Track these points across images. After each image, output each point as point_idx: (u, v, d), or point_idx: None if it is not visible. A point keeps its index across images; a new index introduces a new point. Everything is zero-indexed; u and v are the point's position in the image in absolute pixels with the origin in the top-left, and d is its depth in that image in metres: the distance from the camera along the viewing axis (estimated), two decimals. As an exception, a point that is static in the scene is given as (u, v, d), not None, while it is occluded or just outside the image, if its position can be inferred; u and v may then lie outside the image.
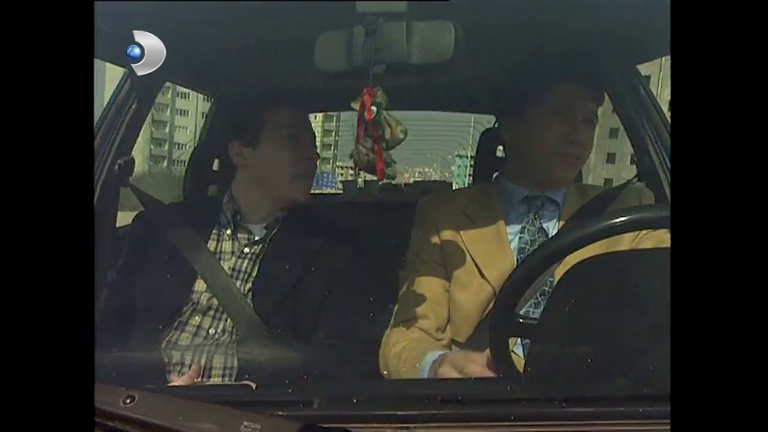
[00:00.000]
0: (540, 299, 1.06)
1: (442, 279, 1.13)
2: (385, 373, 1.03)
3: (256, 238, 1.22)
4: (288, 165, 1.20)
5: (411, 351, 1.02)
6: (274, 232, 1.22)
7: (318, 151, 1.28)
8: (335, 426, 0.61)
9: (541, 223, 1.13)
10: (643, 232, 1.01)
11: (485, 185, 1.25)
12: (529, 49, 1.12)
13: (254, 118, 1.21)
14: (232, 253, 1.21)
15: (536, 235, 1.11)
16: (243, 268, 1.19)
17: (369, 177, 0.84)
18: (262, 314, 1.14)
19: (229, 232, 1.22)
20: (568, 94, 1.10)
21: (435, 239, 1.15)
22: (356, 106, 0.77)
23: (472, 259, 1.10)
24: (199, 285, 1.17)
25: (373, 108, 0.76)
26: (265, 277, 1.18)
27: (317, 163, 1.27)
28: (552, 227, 1.13)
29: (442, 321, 1.12)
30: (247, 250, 1.20)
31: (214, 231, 1.23)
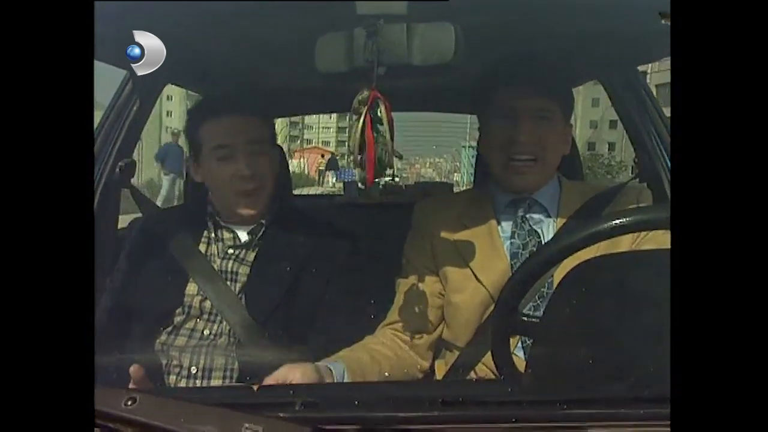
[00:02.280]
0: (539, 302, 1.06)
1: (434, 285, 1.13)
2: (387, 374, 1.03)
3: (242, 240, 1.22)
4: (223, 184, 1.18)
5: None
6: (260, 234, 1.22)
7: (257, 168, 1.17)
8: (336, 428, 0.61)
9: (531, 226, 1.12)
10: (643, 233, 1.01)
11: (478, 191, 1.25)
12: (493, 53, 1.11)
13: (193, 135, 1.20)
14: (218, 254, 1.21)
15: (527, 238, 1.11)
16: (229, 269, 1.19)
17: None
18: (256, 316, 1.14)
19: (213, 234, 1.22)
20: (509, 96, 1.09)
21: (429, 247, 1.15)
22: (363, 107, 0.76)
23: (467, 265, 1.10)
24: (192, 288, 1.18)
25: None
26: (257, 279, 1.18)
27: (255, 176, 1.17)
28: (544, 229, 1.12)
29: (428, 326, 1.12)
30: (231, 251, 1.21)
31: (204, 234, 1.23)
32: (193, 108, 1.27)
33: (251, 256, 1.21)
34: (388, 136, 0.76)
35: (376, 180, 0.78)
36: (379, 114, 0.75)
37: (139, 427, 0.59)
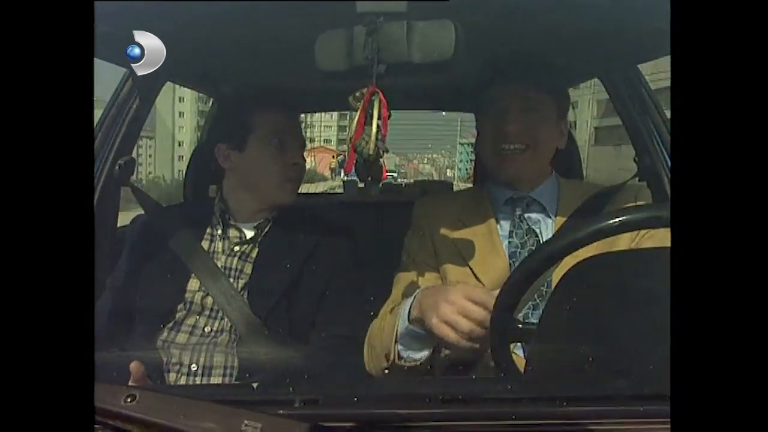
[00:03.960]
0: (538, 301, 1.06)
1: (435, 282, 1.13)
2: (370, 365, 1.02)
3: (247, 237, 1.23)
4: (274, 170, 1.21)
5: (392, 314, 1.00)
6: (265, 231, 1.23)
7: (305, 154, 1.30)
8: (336, 425, 0.62)
9: (529, 225, 1.12)
10: (643, 231, 1.01)
11: (477, 189, 1.26)
12: (493, 51, 1.13)
13: (242, 122, 1.22)
14: (223, 251, 1.21)
15: (525, 237, 1.11)
16: (233, 266, 1.20)
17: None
18: (258, 313, 1.15)
19: (219, 231, 1.22)
20: (501, 91, 1.12)
21: (429, 243, 1.15)
22: (358, 102, 0.76)
23: (466, 263, 1.10)
24: (194, 284, 1.18)
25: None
26: (260, 276, 1.19)
27: (304, 166, 1.29)
28: (542, 228, 1.13)
29: None
30: (237, 248, 1.21)
31: (207, 231, 1.24)
32: (247, 95, 1.32)
33: (255, 252, 1.21)
34: (374, 130, 0.76)
35: (372, 179, 0.79)
36: (373, 109, 0.76)
37: (139, 424, 0.59)
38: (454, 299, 0.85)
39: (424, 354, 0.93)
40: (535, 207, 1.14)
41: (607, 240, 0.73)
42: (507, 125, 1.09)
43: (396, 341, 0.94)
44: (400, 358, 0.94)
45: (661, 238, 0.95)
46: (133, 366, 0.88)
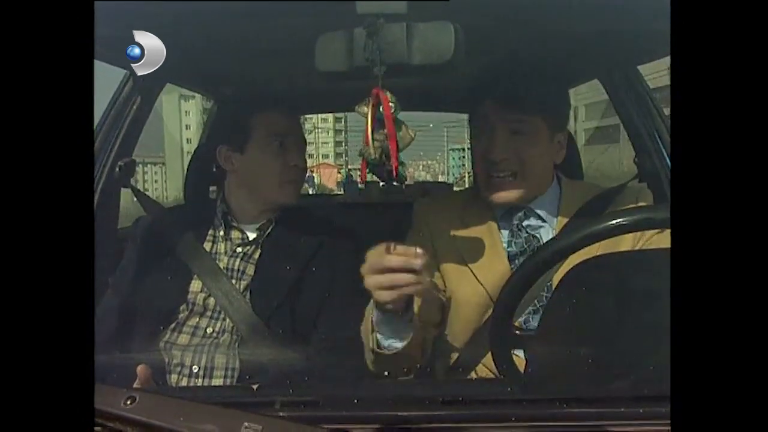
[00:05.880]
0: (539, 306, 1.05)
1: (435, 281, 1.12)
2: (369, 362, 0.99)
3: (250, 238, 1.22)
4: (275, 172, 1.21)
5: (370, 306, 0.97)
6: (268, 232, 1.23)
7: (306, 157, 1.30)
8: (336, 427, 0.62)
9: (528, 232, 1.11)
10: (648, 234, 1.00)
11: (478, 192, 1.25)
12: (493, 53, 1.11)
13: (242, 124, 1.22)
14: (225, 252, 1.21)
15: (525, 245, 1.10)
16: (236, 267, 1.20)
17: (371, 178, 0.84)
18: (261, 314, 1.15)
19: (221, 232, 1.22)
20: (490, 110, 1.08)
21: (429, 244, 1.14)
22: (364, 108, 0.76)
23: (467, 264, 1.10)
24: (197, 285, 1.18)
25: (392, 104, 0.76)
26: (262, 277, 1.19)
27: (306, 168, 1.29)
28: (543, 233, 1.11)
29: (431, 322, 1.10)
30: (239, 249, 1.21)
31: (209, 232, 1.24)
32: (247, 97, 1.31)
33: (258, 253, 1.21)
34: (370, 135, 0.77)
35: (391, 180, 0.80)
36: (369, 112, 0.76)
37: (139, 426, 0.59)
38: (367, 266, 0.87)
39: (404, 341, 0.92)
40: (534, 218, 1.12)
41: (610, 241, 0.73)
42: (494, 153, 1.06)
43: (373, 331, 0.93)
44: (380, 347, 0.92)
45: (663, 242, 0.94)
46: (140, 369, 0.88)
